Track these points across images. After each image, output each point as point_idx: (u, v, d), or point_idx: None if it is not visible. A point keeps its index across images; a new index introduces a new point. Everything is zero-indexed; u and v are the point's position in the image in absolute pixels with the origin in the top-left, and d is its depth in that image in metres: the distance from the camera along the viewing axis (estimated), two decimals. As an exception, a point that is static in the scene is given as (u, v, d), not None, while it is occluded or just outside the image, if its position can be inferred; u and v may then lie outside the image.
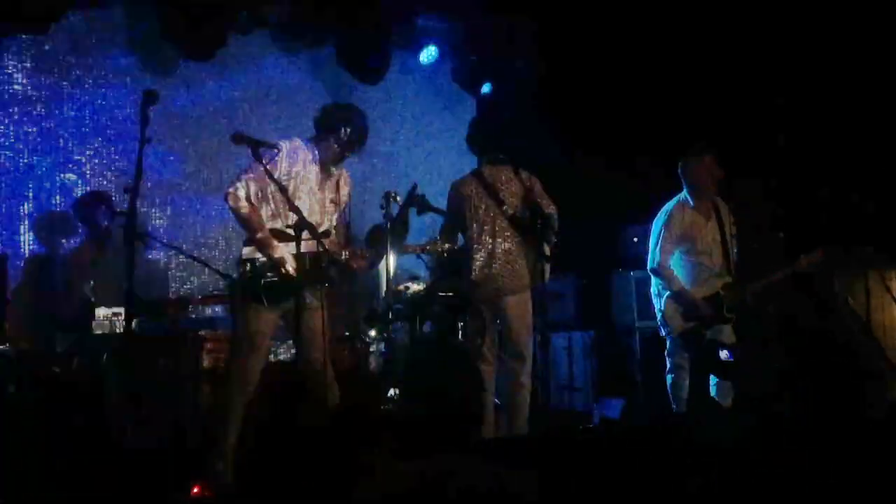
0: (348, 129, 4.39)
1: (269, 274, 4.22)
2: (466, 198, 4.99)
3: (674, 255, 5.31)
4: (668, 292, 5.25)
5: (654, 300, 5.36)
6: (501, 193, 4.95)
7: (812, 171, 5.97)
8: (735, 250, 5.34)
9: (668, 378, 5.26)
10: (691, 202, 5.36)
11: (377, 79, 6.62)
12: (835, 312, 5.52)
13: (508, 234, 4.92)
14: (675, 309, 5.25)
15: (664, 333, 5.30)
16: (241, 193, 4.24)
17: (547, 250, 4.80)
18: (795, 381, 4.73)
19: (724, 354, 4.99)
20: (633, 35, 6.36)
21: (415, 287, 5.14)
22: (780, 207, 5.93)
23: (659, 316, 5.31)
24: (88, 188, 5.54)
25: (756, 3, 6.04)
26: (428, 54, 6.68)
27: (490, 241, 4.92)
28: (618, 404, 6.06)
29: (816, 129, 5.86)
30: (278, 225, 4.26)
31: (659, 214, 5.41)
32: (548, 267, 4.90)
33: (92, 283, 5.15)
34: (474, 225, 4.95)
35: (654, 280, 5.35)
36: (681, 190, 5.40)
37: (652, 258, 5.34)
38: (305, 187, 4.31)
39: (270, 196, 4.29)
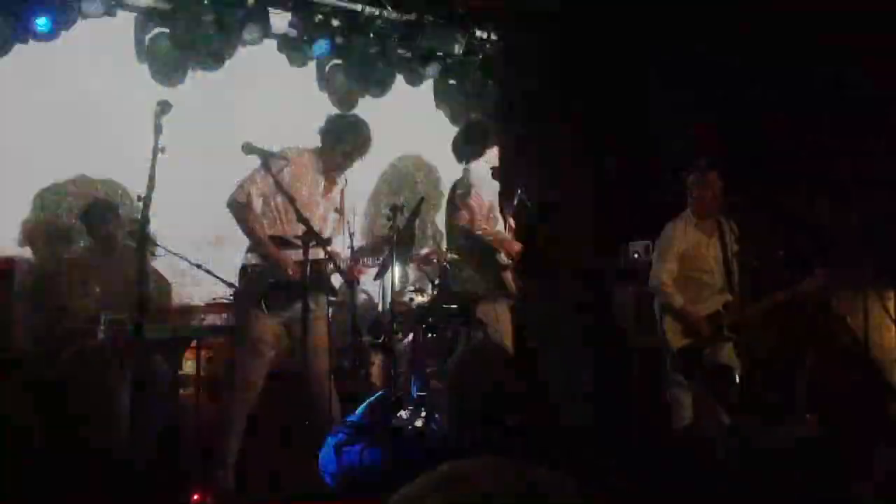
0: (352, 139, 4.45)
1: (269, 281, 4.26)
2: None
3: (675, 271, 5.34)
4: (668, 309, 5.28)
5: (657, 316, 5.38)
6: None
7: (813, 191, 5.99)
8: (737, 269, 5.36)
9: (668, 394, 5.28)
10: (694, 219, 5.39)
11: (383, 90, 6.67)
12: (835, 333, 5.54)
13: None
14: (674, 326, 5.28)
15: (664, 350, 5.32)
16: (243, 199, 4.29)
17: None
18: (819, 401, 4.76)
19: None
20: (634, 48, 6.40)
21: (419, 299, 5.18)
22: (782, 227, 5.95)
23: (660, 332, 5.33)
24: (97, 196, 5.56)
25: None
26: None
27: None
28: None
29: (818, 147, 5.89)
30: (280, 232, 4.31)
31: (661, 232, 5.44)
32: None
33: (98, 289, 5.17)
34: None
35: (655, 297, 5.38)
36: (685, 206, 5.43)
37: (653, 275, 5.37)
38: (310, 196, 4.36)
39: (273, 204, 4.34)
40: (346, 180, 4.61)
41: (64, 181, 5.75)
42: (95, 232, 5.29)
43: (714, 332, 5.23)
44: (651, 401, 5.45)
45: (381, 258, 4.59)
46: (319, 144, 4.54)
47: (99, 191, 5.66)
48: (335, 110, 6.28)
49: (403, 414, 4.43)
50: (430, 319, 4.90)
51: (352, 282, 4.42)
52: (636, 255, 6.13)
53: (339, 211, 4.53)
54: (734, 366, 5.27)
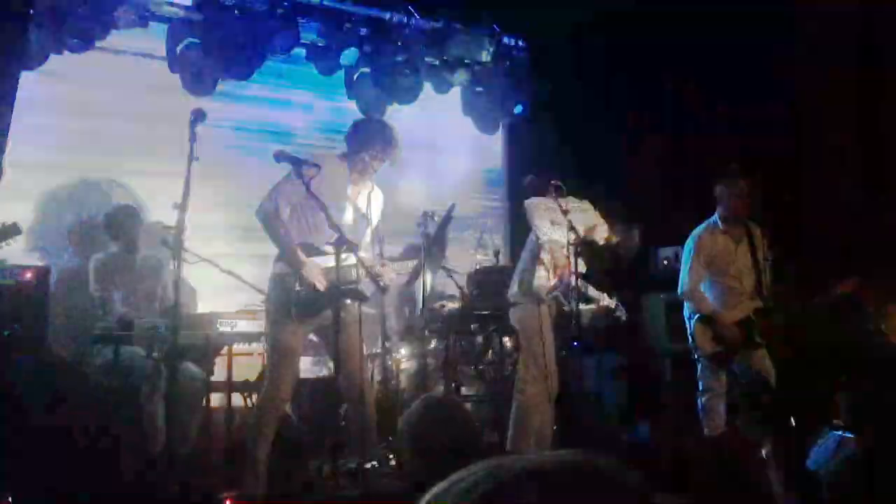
0: (379, 143, 4.47)
1: (299, 289, 4.27)
2: None
3: (704, 278, 5.31)
4: (697, 316, 5.26)
5: (687, 323, 5.36)
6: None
7: (847, 197, 5.95)
8: (768, 275, 5.33)
9: (700, 401, 5.25)
10: (721, 226, 5.36)
11: (411, 98, 6.69)
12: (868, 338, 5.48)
13: None
14: (704, 332, 5.25)
15: (695, 356, 5.29)
16: (272, 208, 4.31)
17: None
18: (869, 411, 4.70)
19: None
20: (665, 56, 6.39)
21: (451, 305, 5.18)
22: (814, 232, 5.91)
23: (690, 339, 5.31)
24: (129, 203, 5.62)
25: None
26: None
27: None
28: (645, 429, 6.04)
29: (852, 153, 5.85)
30: (310, 240, 4.32)
31: (689, 238, 5.42)
32: None
33: (122, 293, 5.22)
34: None
35: (685, 303, 5.35)
36: (714, 211, 5.41)
37: (682, 282, 5.35)
38: (339, 203, 4.38)
39: (302, 212, 4.36)
40: (374, 185, 4.62)
41: (91, 184, 5.80)
42: (120, 236, 5.34)
43: (745, 339, 5.20)
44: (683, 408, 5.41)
45: (412, 264, 4.59)
46: (346, 150, 4.56)
47: (122, 195, 5.71)
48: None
49: None
50: (464, 325, 4.90)
51: (382, 287, 4.42)
52: (665, 262, 6.10)
53: (367, 216, 4.53)
54: (767, 372, 5.23)
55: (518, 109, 7.11)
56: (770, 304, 5.25)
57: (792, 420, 4.72)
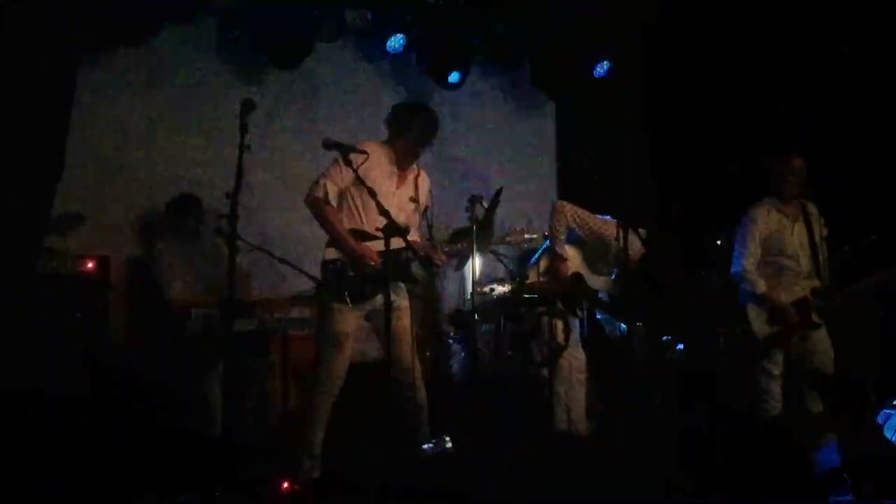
0: (420, 126, 4.49)
1: (350, 274, 4.32)
2: None
3: (758, 257, 5.23)
4: (752, 296, 5.17)
5: (743, 304, 5.27)
6: None
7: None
8: (825, 254, 5.22)
9: (756, 383, 5.17)
10: (777, 203, 5.27)
11: (458, 84, 6.68)
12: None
13: None
14: (759, 313, 5.17)
15: (750, 338, 5.21)
16: (321, 195, 4.36)
17: None
18: None
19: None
20: (718, 39, 6.28)
21: (500, 289, 5.19)
22: (871, 211, 5.77)
23: (745, 320, 5.23)
24: (189, 192, 5.73)
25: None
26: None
27: None
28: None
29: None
30: (359, 225, 4.36)
31: (744, 217, 5.33)
32: None
33: (185, 281, 5.33)
34: None
35: (740, 284, 5.27)
36: (768, 192, 5.31)
37: (736, 261, 5.26)
38: (386, 188, 4.41)
39: (350, 197, 4.40)
40: (419, 168, 4.64)
41: (150, 175, 5.91)
42: (181, 225, 5.44)
43: (802, 319, 5.11)
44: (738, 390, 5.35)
45: (461, 245, 4.61)
46: (388, 135, 4.59)
47: (183, 184, 5.82)
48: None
49: None
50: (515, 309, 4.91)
51: (432, 270, 4.44)
52: (718, 242, 6.00)
53: (415, 200, 4.56)
54: (825, 354, 5.13)
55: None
56: (827, 283, 5.15)
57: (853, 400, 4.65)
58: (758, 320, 5.16)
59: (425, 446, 4.35)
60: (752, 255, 5.21)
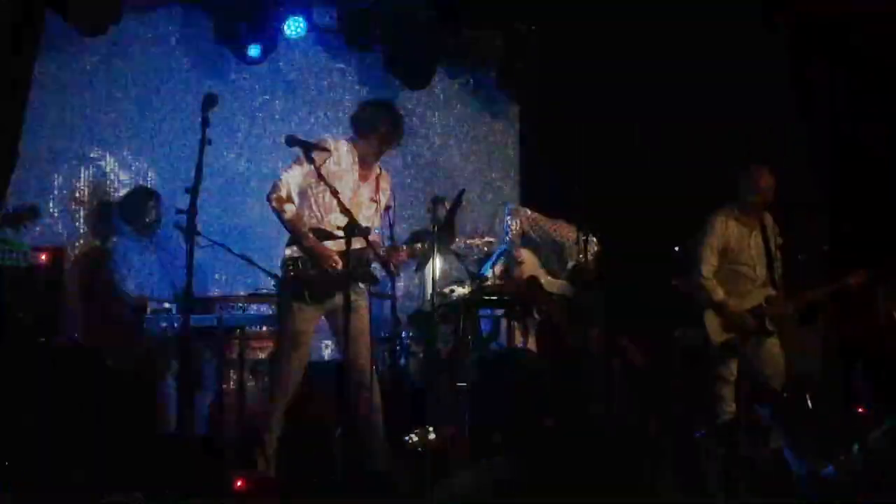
0: (386, 124, 4.48)
1: (311, 272, 4.30)
2: None
3: (716, 265, 5.30)
4: (708, 303, 5.25)
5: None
6: None
7: (860, 187, 5.92)
8: (779, 263, 5.32)
9: (711, 388, 5.25)
10: (736, 213, 5.35)
11: (423, 84, 6.67)
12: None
13: None
14: (715, 320, 5.25)
15: (706, 344, 5.28)
16: (283, 193, 4.33)
17: None
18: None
19: None
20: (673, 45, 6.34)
21: (460, 290, 5.20)
22: (828, 221, 5.89)
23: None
24: (146, 186, 5.64)
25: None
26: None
27: None
28: None
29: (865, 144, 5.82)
30: (321, 224, 4.34)
31: (704, 225, 5.40)
32: None
33: (138, 276, 5.26)
34: None
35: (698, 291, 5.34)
36: (726, 201, 5.39)
37: (695, 269, 5.33)
38: (346, 186, 4.39)
39: (312, 195, 4.38)
40: (381, 168, 4.63)
41: (107, 168, 5.82)
42: (136, 219, 5.36)
43: (756, 326, 5.20)
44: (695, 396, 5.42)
45: (421, 246, 4.61)
46: (352, 133, 4.57)
47: (141, 177, 5.74)
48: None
49: None
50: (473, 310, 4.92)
51: (393, 271, 4.43)
52: (676, 249, 6.07)
53: (376, 200, 4.54)
54: (777, 361, 5.23)
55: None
56: (781, 292, 5.25)
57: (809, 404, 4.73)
58: (714, 327, 5.24)
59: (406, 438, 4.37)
60: (709, 263, 5.29)
